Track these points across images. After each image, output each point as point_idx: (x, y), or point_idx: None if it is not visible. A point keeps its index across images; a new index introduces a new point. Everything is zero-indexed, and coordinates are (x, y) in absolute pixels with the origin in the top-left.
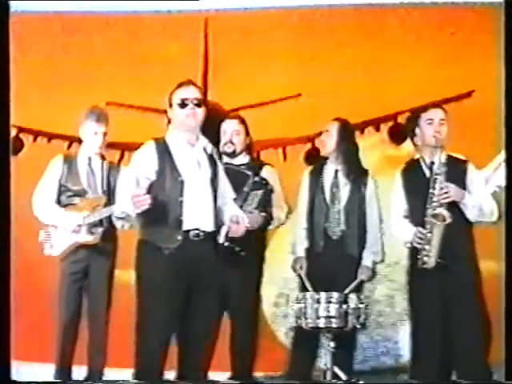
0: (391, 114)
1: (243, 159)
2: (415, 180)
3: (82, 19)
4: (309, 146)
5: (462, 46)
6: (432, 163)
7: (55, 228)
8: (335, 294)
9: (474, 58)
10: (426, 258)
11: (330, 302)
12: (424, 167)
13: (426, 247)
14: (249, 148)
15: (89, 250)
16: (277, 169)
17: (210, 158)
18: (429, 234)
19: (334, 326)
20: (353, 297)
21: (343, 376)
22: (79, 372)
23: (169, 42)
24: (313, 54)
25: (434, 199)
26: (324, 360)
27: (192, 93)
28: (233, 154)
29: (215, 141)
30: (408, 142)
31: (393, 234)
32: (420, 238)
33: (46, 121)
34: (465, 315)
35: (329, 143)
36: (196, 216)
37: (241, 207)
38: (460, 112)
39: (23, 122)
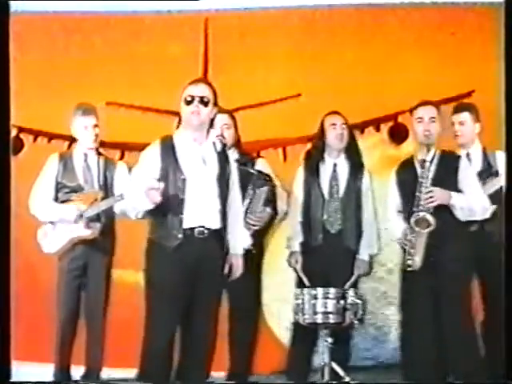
0: (391, 113)
1: (233, 155)
2: (408, 178)
3: (82, 19)
4: (309, 145)
5: (462, 46)
6: (423, 161)
7: (53, 225)
8: (332, 290)
9: (474, 58)
10: (410, 262)
11: (327, 298)
12: (416, 165)
13: (411, 251)
14: (238, 144)
15: (87, 246)
16: (277, 169)
17: (220, 155)
18: (413, 239)
19: (331, 321)
20: (350, 292)
21: (341, 372)
22: (78, 371)
23: (169, 42)
24: (313, 53)
25: (421, 203)
26: (322, 356)
27: (199, 91)
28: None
29: None
30: (408, 141)
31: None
32: (406, 241)
33: (46, 121)
34: (454, 315)
35: (346, 136)
36: (200, 213)
37: (249, 205)
38: None
39: (23, 122)
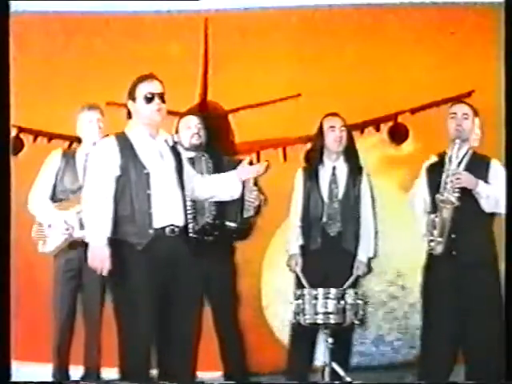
0: (391, 113)
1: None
2: (438, 174)
3: (82, 19)
4: (309, 145)
5: (462, 45)
6: (455, 157)
7: (49, 225)
8: (333, 290)
9: (474, 58)
10: (432, 244)
11: (327, 298)
12: (446, 161)
13: (434, 232)
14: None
15: (83, 247)
16: (277, 169)
17: (173, 149)
18: (436, 219)
19: (332, 322)
20: (351, 293)
21: (342, 372)
22: (77, 372)
23: (169, 42)
24: (313, 54)
25: (447, 186)
26: (322, 356)
27: (157, 87)
28: (199, 147)
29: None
30: (408, 141)
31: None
32: (428, 224)
33: (46, 121)
34: (479, 310)
35: (344, 139)
36: (168, 211)
37: (243, 186)
38: None
39: (23, 122)
